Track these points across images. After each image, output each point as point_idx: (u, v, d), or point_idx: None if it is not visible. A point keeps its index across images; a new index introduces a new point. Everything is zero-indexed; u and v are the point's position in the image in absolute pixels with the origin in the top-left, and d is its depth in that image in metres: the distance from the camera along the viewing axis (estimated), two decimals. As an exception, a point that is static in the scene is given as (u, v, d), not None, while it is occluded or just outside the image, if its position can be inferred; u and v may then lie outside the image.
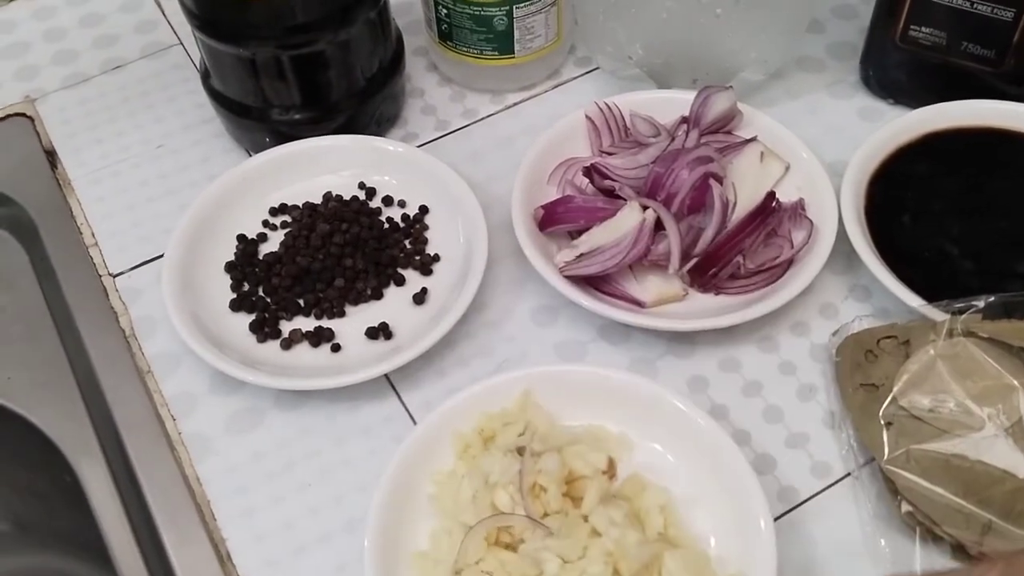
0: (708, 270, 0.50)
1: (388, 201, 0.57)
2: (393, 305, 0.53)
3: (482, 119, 0.62)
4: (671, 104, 0.57)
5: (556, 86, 0.63)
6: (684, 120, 0.56)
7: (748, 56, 0.58)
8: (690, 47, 0.57)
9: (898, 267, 0.50)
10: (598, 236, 0.50)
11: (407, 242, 0.55)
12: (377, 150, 0.57)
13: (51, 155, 0.61)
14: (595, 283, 0.50)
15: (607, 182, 0.53)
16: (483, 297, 0.53)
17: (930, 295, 0.48)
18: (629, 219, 0.49)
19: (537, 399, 0.47)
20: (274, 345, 0.51)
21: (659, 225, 0.50)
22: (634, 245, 0.49)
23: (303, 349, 0.51)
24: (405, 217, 0.56)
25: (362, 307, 0.53)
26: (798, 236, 0.52)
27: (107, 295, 0.54)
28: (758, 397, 0.49)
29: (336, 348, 0.51)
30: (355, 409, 0.50)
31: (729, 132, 0.56)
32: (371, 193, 0.57)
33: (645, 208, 0.50)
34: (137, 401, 0.50)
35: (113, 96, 0.64)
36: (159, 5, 0.69)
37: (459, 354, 0.51)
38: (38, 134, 0.62)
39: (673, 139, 0.54)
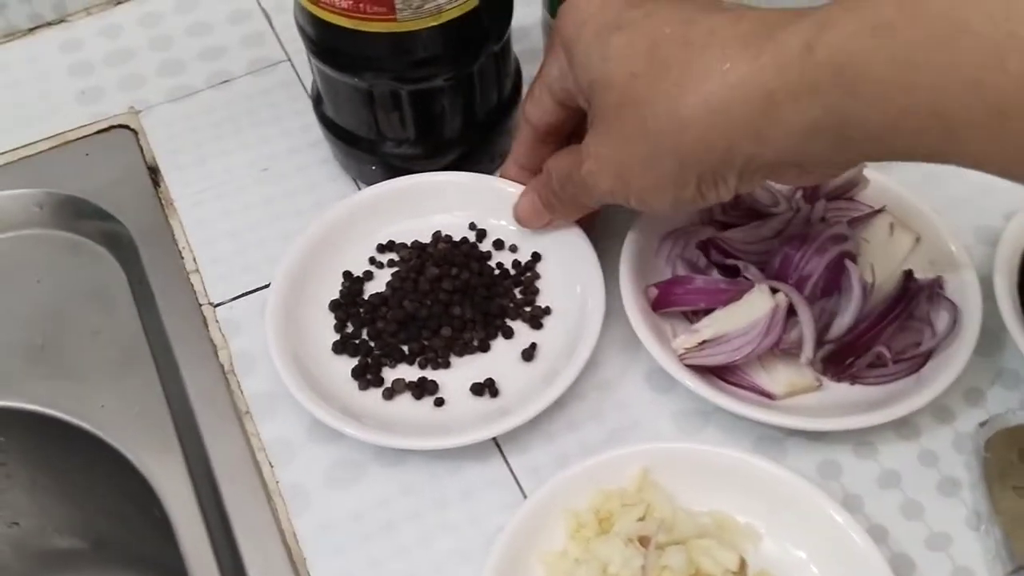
0: (844, 360, 0.46)
1: (499, 245, 0.54)
2: (500, 359, 0.50)
3: (599, 157, 0.59)
4: None
5: (678, 125, 0.60)
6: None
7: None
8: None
9: (1056, 355, 0.46)
10: (723, 322, 0.46)
11: (517, 291, 0.52)
12: (493, 190, 0.54)
13: (154, 172, 0.59)
14: (717, 370, 0.47)
15: (729, 260, 0.49)
16: (595, 355, 0.50)
17: (1095, 391, 0.44)
18: (759, 305, 0.45)
19: (656, 478, 0.44)
20: (376, 394, 0.49)
21: (789, 309, 0.46)
22: (766, 335, 0.45)
23: (405, 400, 0.49)
24: (516, 264, 0.53)
25: (468, 359, 0.50)
26: (937, 317, 0.48)
27: (207, 326, 0.52)
28: (896, 489, 0.46)
29: (439, 403, 0.48)
30: (458, 469, 0.47)
31: (851, 199, 0.52)
32: (482, 235, 0.54)
33: (774, 291, 0.46)
34: (234, 443, 0.48)
35: (219, 113, 0.62)
36: (267, 17, 0.67)
37: (569, 417, 0.49)
38: (141, 148, 0.60)
39: (797, 210, 0.50)
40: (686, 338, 0.47)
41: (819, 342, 0.47)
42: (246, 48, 0.65)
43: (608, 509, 0.42)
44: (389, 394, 0.49)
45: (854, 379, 0.47)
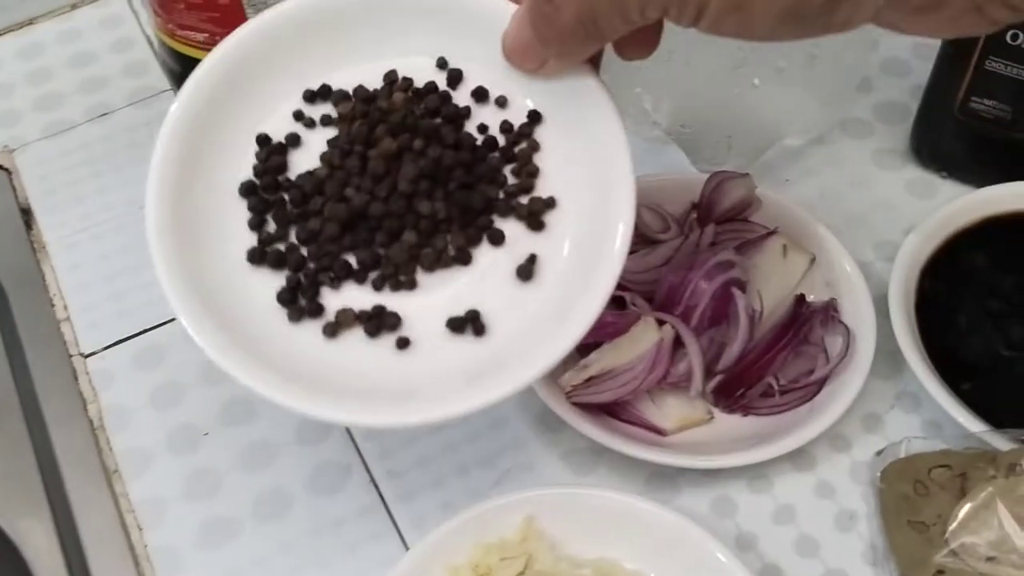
0: (734, 391, 0.45)
1: (481, 96, 0.38)
2: (486, 277, 0.37)
3: (493, 183, 0.56)
4: (684, 189, 0.50)
5: (575, 146, 0.58)
6: (694, 206, 0.50)
7: (790, 125, 0.52)
8: (724, 117, 0.52)
9: (954, 377, 0.45)
10: (610, 356, 0.44)
11: (508, 171, 0.37)
12: (471, 9, 0.37)
13: (27, 213, 0.56)
14: (608, 406, 0.45)
15: (616, 291, 0.47)
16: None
17: (994, 415, 0.43)
18: (644, 338, 0.44)
19: (542, 524, 0.42)
20: (314, 328, 0.36)
21: (677, 341, 0.44)
22: (652, 369, 0.43)
23: (355, 338, 0.36)
24: (506, 127, 0.38)
25: (440, 276, 0.37)
26: (831, 342, 0.46)
27: (76, 378, 0.50)
28: (791, 525, 0.44)
29: (403, 343, 0.36)
30: (340, 523, 0.45)
31: (745, 220, 0.50)
32: (455, 79, 0.38)
33: (661, 323, 0.44)
34: (102, 505, 0.46)
35: (97, 148, 0.59)
36: (151, 44, 0.64)
37: (457, 459, 0.46)
38: (14, 189, 0.57)
39: (686, 236, 0.48)
40: (572, 375, 0.45)
41: (709, 373, 0.45)
42: (128, 78, 0.62)
43: (487, 564, 0.40)
44: (332, 329, 0.36)
45: (746, 410, 0.45)
